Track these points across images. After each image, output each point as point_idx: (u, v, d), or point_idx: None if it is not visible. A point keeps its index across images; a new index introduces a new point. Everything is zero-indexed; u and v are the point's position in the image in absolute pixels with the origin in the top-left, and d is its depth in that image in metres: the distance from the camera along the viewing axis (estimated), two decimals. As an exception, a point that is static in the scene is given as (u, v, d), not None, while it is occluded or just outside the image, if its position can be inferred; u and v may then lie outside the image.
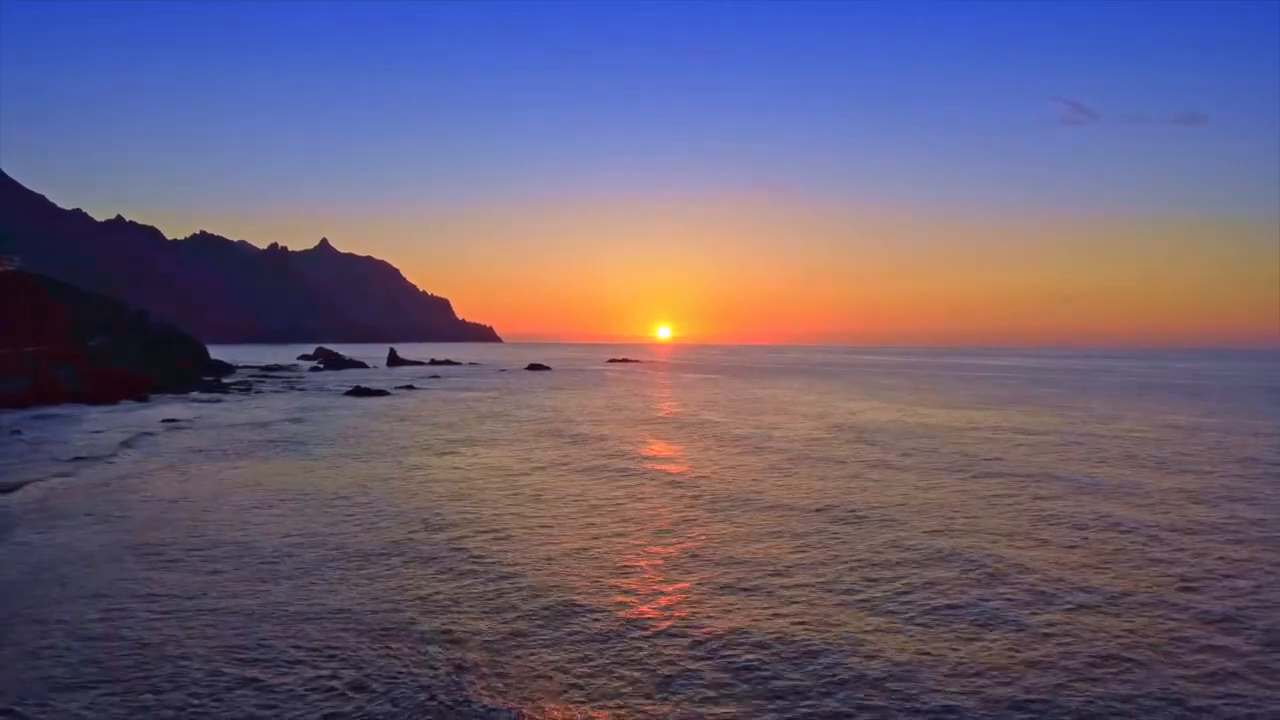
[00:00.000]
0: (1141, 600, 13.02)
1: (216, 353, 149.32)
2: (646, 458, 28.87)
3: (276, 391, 63.12)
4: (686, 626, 11.65)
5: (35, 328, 59.53)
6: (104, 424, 37.44)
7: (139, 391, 54.46)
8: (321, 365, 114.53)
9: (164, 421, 38.55)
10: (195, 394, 58.33)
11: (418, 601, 12.60)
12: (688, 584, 13.90)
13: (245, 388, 65.83)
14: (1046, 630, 11.55)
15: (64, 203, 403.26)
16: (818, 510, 19.67)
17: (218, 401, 52.31)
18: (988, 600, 12.93)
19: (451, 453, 29.66)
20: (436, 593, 13.10)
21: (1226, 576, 14.41)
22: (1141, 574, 14.56)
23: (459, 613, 12.13)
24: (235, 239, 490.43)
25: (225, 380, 73.26)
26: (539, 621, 11.76)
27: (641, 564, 15.20)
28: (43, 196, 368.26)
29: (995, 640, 11.19)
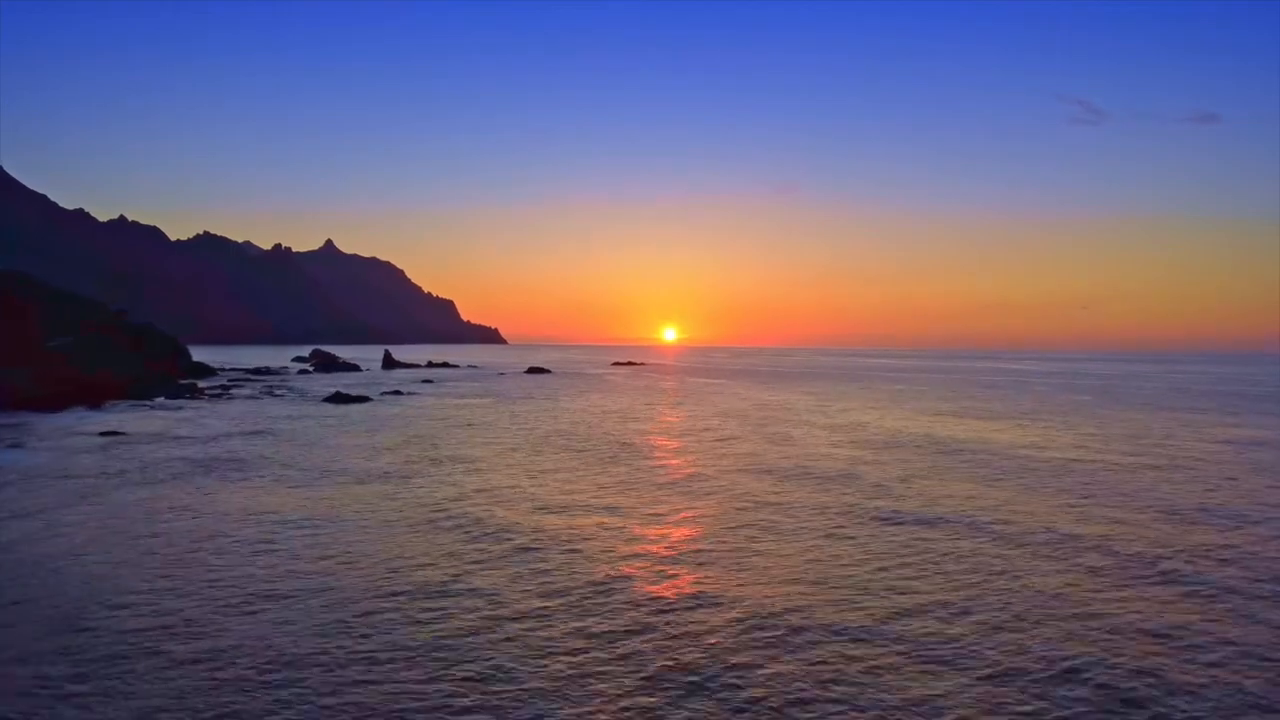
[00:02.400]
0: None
1: (218, 354, 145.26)
2: (600, 508, 20.55)
3: (252, 397, 58.85)
4: None
5: (-3, 328, 55.39)
6: (16, 437, 33.12)
7: (97, 397, 50.17)
8: (312, 368, 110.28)
9: (101, 434, 34.22)
10: (161, 399, 54.05)
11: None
12: None
13: (219, 393, 61.54)
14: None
15: (67, 202, 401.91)
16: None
17: (179, 409, 47.98)
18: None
19: (305, 487, 24.96)
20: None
21: None
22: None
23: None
24: (239, 239, 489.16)
25: (202, 384, 69.01)
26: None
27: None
28: (45, 196, 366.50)
29: None
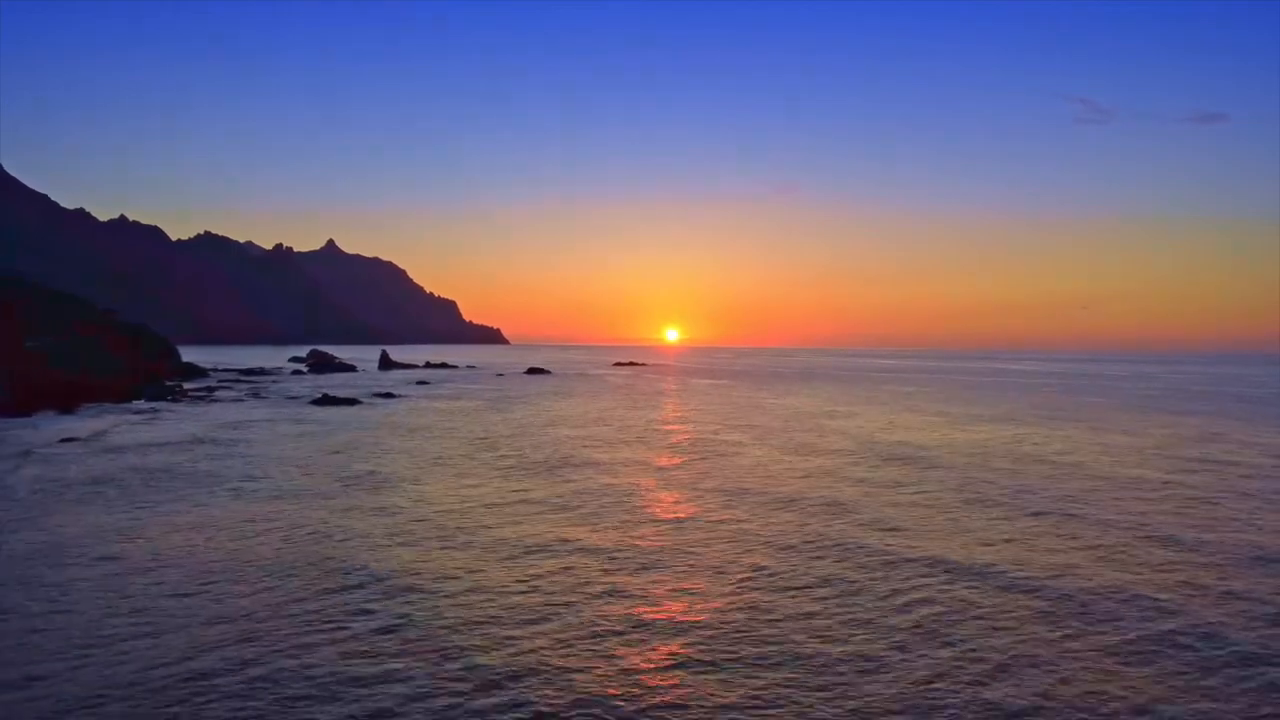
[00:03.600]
0: None
1: (217, 354, 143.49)
2: (556, 544, 16.83)
3: (236, 399, 56.95)
4: None
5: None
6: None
7: (70, 400, 48.22)
8: (306, 369, 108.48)
9: (60, 441, 32.32)
10: (140, 403, 52.14)
11: None
12: None
13: (203, 395, 59.68)
14: None
15: (67, 202, 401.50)
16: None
17: (153, 413, 46.05)
18: None
19: (194, 508, 23.01)
20: None
21: None
22: None
23: None
24: (240, 239, 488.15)
25: (189, 385, 67.18)
26: None
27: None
28: (45, 196, 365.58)
29: None
